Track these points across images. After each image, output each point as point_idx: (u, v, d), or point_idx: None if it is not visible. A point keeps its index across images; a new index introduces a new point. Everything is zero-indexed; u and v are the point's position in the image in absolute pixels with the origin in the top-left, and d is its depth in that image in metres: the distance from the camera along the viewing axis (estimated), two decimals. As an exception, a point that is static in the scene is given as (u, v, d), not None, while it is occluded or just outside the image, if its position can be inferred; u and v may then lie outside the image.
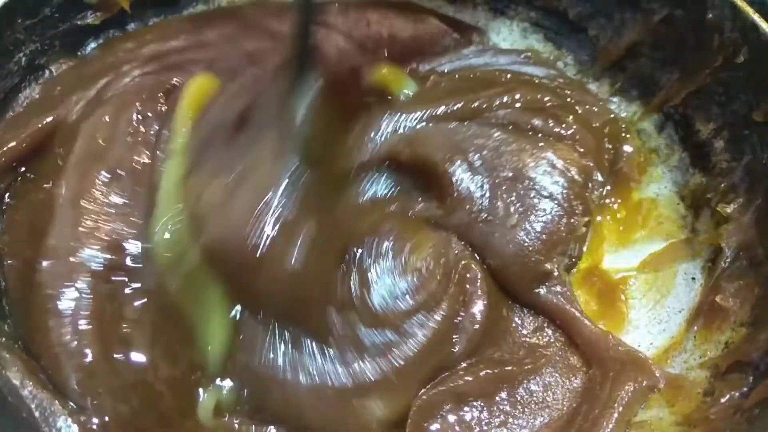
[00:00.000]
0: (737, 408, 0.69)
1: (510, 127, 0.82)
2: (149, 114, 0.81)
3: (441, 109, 0.84)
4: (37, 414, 0.66)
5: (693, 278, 0.84)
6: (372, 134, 0.83)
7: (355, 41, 0.91)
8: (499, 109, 0.84)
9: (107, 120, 0.80)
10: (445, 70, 0.95)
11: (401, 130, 0.83)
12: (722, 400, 0.71)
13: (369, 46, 0.92)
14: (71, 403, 0.68)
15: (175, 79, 0.84)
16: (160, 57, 0.88)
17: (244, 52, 0.88)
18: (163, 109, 0.82)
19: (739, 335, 0.76)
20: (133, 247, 0.74)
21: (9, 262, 0.77)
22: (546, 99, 0.86)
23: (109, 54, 0.90)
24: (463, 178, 0.77)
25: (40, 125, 0.81)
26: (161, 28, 0.93)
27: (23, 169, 0.81)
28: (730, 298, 0.78)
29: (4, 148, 0.79)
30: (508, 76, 0.91)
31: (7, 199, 0.81)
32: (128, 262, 0.74)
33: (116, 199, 0.76)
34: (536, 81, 0.92)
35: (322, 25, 0.82)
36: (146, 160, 0.79)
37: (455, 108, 0.84)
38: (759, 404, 0.67)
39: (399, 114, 0.84)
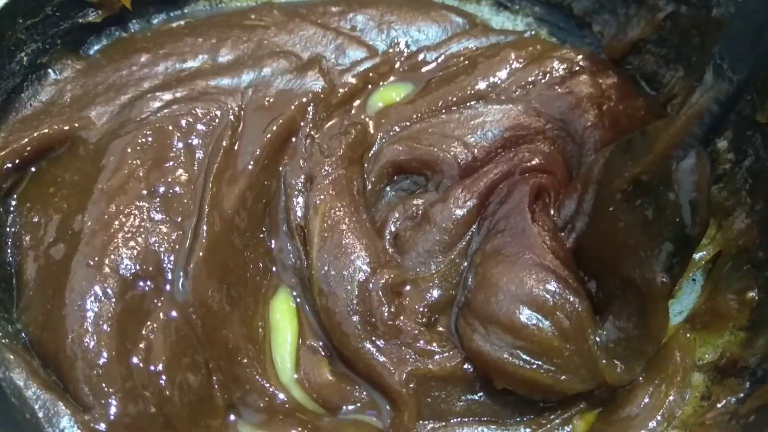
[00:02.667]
0: (733, 414, 0.69)
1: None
2: (190, 142, 0.82)
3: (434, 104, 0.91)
4: (40, 414, 0.67)
5: (693, 279, 0.83)
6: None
7: None
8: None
9: (145, 145, 0.81)
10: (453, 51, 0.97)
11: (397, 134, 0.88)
12: (719, 406, 0.71)
13: None
14: (76, 404, 0.69)
15: (211, 110, 0.85)
16: (182, 80, 0.88)
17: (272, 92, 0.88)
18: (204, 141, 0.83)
19: (737, 339, 0.76)
20: (167, 260, 0.75)
21: (27, 260, 0.77)
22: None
23: (119, 62, 0.90)
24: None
25: (50, 131, 0.82)
26: (172, 40, 0.92)
27: (33, 169, 0.82)
28: (729, 301, 0.77)
29: (10, 149, 0.80)
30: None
31: (14, 198, 0.81)
32: (160, 273, 0.75)
33: (154, 215, 0.77)
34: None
35: None
36: (186, 184, 0.80)
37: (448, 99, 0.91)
38: (755, 411, 0.67)
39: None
